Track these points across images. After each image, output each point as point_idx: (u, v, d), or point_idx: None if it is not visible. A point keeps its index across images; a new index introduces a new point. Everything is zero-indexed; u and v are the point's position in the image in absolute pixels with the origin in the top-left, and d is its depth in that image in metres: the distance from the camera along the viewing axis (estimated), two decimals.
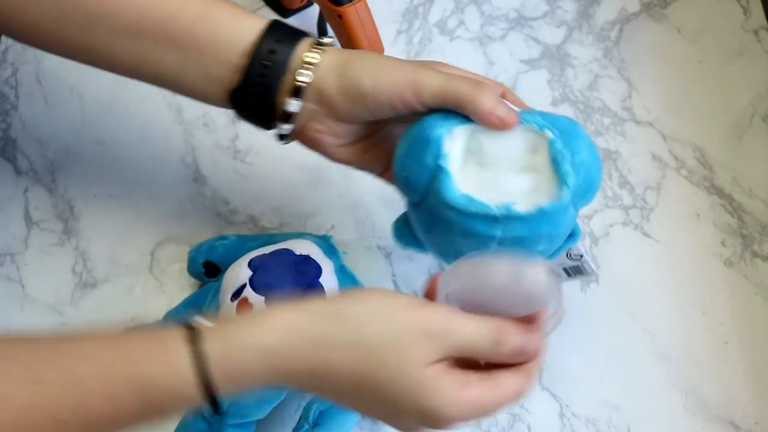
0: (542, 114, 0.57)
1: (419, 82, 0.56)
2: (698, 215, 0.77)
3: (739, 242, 0.75)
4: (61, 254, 0.73)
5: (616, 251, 0.73)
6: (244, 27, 0.59)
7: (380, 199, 0.77)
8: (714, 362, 0.69)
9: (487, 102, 0.55)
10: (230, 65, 0.58)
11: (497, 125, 0.55)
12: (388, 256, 0.74)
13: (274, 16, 0.87)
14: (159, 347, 0.49)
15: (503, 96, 0.58)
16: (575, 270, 0.69)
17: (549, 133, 0.55)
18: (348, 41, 0.76)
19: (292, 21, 0.88)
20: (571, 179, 0.54)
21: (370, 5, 0.76)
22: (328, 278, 0.63)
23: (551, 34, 0.87)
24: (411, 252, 0.74)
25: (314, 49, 0.58)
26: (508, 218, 0.54)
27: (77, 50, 0.61)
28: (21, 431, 0.45)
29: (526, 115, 0.56)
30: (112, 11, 0.59)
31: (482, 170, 0.57)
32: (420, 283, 0.73)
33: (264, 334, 0.48)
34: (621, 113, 0.82)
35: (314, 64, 0.58)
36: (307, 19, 0.87)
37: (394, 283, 0.73)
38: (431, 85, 0.56)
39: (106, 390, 0.47)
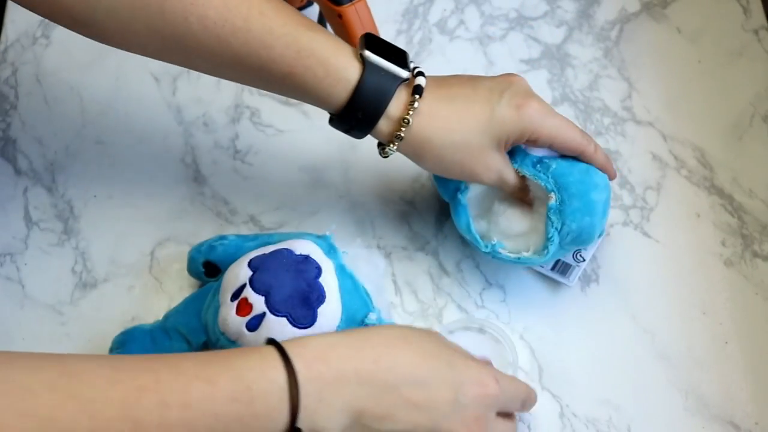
0: (561, 162, 0.67)
1: (498, 179, 0.66)
2: (698, 215, 0.77)
3: (739, 242, 0.75)
4: (61, 254, 0.73)
5: (616, 251, 0.73)
6: (332, 91, 0.62)
7: (380, 199, 0.77)
8: (714, 362, 0.69)
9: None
10: (330, 108, 0.63)
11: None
12: (388, 256, 0.74)
13: None
14: (257, 361, 0.51)
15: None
16: (563, 269, 0.69)
17: (552, 197, 0.66)
18: (348, 41, 0.76)
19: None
20: (554, 246, 0.66)
21: (370, 5, 0.76)
22: (329, 278, 0.63)
23: (551, 34, 0.87)
24: (411, 252, 0.74)
25: (408, 108, 0.62)
26: (492, 255, 0.68)
27: (181, 66, 0.66)
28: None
29: (543, 167, 0.67)
30: (212, 49, 0.61)
31: (493, 205, 0.70)
32: (420, 282, 0.73)
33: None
34: (621, 113, 0.82)
35: (407, 125, 0.63)
36: None
37: (394, 283, 0.73)
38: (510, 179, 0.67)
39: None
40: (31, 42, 0.84)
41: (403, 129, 0.62)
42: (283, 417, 0.49)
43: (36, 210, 0.75)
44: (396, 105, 0.62)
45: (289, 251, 0.63)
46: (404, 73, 0.62)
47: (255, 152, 0.79)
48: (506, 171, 0.66)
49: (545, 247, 0.66)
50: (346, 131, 0.64)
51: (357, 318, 0.63)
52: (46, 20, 0.85)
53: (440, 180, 0.70)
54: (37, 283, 0.72)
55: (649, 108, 0.83)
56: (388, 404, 0.52)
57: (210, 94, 0.81)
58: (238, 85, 0.83)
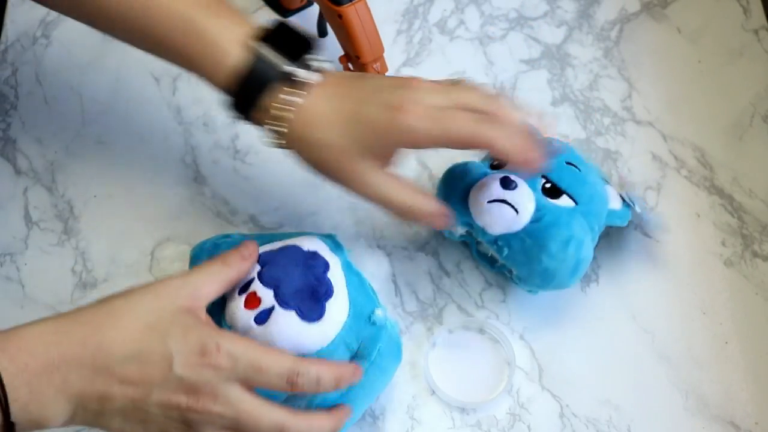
0: (514, 245, 0.66)
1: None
2: (698, 215, 0.77)
3: (739, 242, 0.75)
4: (61, 254, 0.73)
5: (616, 251, 0.73)
6: (215, 73, 0.61)
7: None
8: (714, 362, 0.69)
9: None
10: (219, 81, 0.62)
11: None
12: (388, 255, 0.74)
13: (274, 16, 0.88)
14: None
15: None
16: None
17: (513, 271, 0.69)
18: (348, 41, 0.76)
19: (292, 21, 0.87)
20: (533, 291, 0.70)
21: (370, 5, 0.76)
22: (336, 273, 0.63)
23: (551, 34, 0.87)
24: (411, 252, 0.74)
25: (284, 101, 0.60)
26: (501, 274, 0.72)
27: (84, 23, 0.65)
28: None
29: (499, 249, 0.67)
30: (117, 11, 0.62)
31: None
32: (420, 282, 0.73)
33: None
34: (621, 113, 0.82)
35: (286, 115, 0.60)
36: (307, 19, 0.87)
37: (394, 283, 0.73)
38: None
39: None
40: (31, 42, 0.84)
41: (277, 124, 0.61)
42: None
43: (36, 210, 0.76)
44: (272, 97, 0.60)
45: (297, 247, 0.63)
46: (286, 67, 0.60)
47: (255, 152, 0.79)
48: (385, 188, 0.61)
49: (529, 290, 0.70)
50: (237, 117, 0.63)
51: (364, 313, 0.63)
52: (47, 20, 0.85)
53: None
54: (37, 283, 0.72)
55: (649, 108, 0.83)
56: (102, 384, 0.51)
57: (210, 94, 0.81)
58: None
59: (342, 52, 0.79)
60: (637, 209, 0.70)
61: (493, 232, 0.66)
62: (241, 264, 0.60)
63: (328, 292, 0.61)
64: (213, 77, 0.62)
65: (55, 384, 0.50)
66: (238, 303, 0.61)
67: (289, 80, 0.61)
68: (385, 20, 0.86)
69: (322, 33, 0.86)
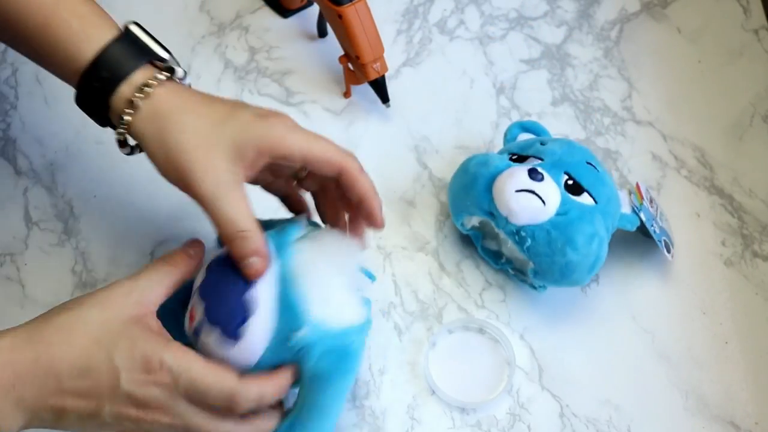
0: (537, 235, 0.66)
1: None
2: (698, 215, 0.77)
3: (739, 242, 0.75)
4: (61, 254, 0.73)
5: (616, 251, 0.73)
6: (81, 47, 0.59)
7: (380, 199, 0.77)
8: (714, 362, 0.69)
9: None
10: (72, 69, 0.60)
11: None
12: (388, 256, 0.74)
13: (274, 17, 0.88)
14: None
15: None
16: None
17: (530, 263, 0.68)
18: (348, 41, 0.76)
19: (291, 21, 0.88)
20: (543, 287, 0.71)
21: (370, 5, 0.76)
22: (263, 288, 0.57)
23: (551, 34, 0.87)
24: (411, 252, 0.74)
25: (136, 95, 0.58)
26: (504, 272, 0.69)
27: None
28: None
29: (521, 240, 0.67)
30: None
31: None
32: (420, 282, 0.73)
33: None
34: (621, 113, 0.82)
35: (135, 108, 0.58)
36: (307, 19, 0.87)
37: (394, 283, 0.73)
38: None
39: None
40: None
41: (140, 96, 0.57)
42: None
43: (36, 210, 0.76)
44: (142, 74, 0.58)
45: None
46: (162, 53, 0.59)
47: None
48: (226, 202, 0.56)
49: (535, 286, 0.71)
50: (87, 104, 0.61)
51: (285, 334, 0.56)
52: None
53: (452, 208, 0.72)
54: (37, 283, 0.72)
55: (649, 108, 0.83)
56: (55, 399, 0.52)
57: None
58: (239, 85, 0.83)
59: (342, 52, 0.79)
60: (642, 217, 0.70)
61: (517, 221, 0.66)
62: (187, 263, 0.58)
63: (248, 310, 0.56)
64: (79, 49, 0.59)
65: (10, 400, 0.51)
66: (186, 319, 0.58)
67: (158, 66, 0.59)
68: (385, 20, 0.86)
69: (322, 33, 0.86)
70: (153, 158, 0.58)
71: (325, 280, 0.58)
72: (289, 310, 0.56)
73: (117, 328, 0.53)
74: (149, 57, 0.60)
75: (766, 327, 0.71)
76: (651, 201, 0.73)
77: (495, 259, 0.72)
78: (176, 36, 0.85)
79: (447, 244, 0.75)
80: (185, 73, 0.61)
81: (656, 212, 0.73)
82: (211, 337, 0.56)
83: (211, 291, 0.58)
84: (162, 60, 0.60)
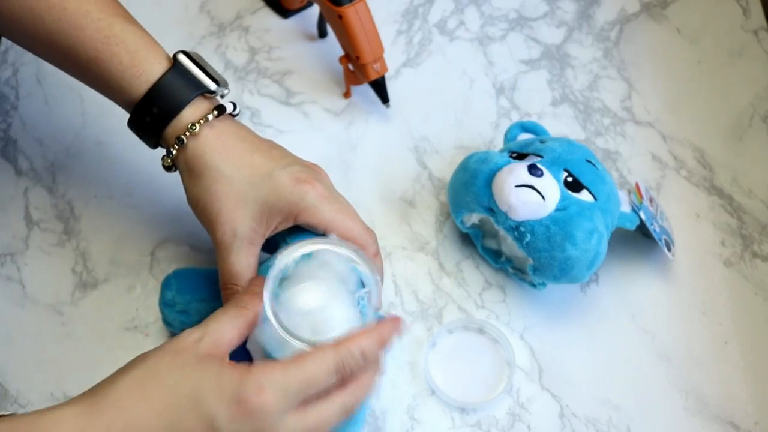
0: (537, 231, 0.66)
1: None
2: (698, 215, 0.77)
3: (738, 242, 0.75)
4: (61, 254, 0.73)
5: (616, 251, 0.73)
6: (133, 82, 0.61)
7: (380, 199, 0.77)
8: (714, 362, 0.69)
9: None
10: (127, 101, 0.63)
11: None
12: (388, 256, 0.74)
13: (274, 17, 0.88)
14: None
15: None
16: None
17: (530, 260, 0.68)
18: (348, 41, 0.77)
19: (291, 21, 0.88)
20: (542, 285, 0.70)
21: (370, 5, 0.76)
22: (252, 341, 0.58)
23: (551, 35, 0.87)
24: (411, 252, 0.74)
25: (181, 137, 0.60)
26: (504, 271, 0.69)
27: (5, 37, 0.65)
28: None
29: (520, 235, 0.67)
30: (25, 22, 0.61)
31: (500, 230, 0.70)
32: (420, 282, 0.73)
33: None
34: (621, 113, 0.82)
35: (181, 145, 0.61)
36: (307, 19, 0.87)
37: (394, 283, 0.73)
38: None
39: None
40: None
41: (187, 134, 0.60)
42: None
43: (36, 210, 0.76)
44: (191, 112, 0.61)
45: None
46: (211, 85, 0.62)
47: None
48: (237, 256, 0.59)
49: (534, 284, 0.70)
50: (140, 130, 0.63)
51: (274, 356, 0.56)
52: None
53: (452, 206, 0.72)
54: (37, 284, 0.72)
55: (649, 108, 0.83)
56: None
57: None
58: (239, 85, 0.83)
59: (342, 53, 0.79)
60: (642, 215, 0.70)
61: (517, 217, 0.66)
62: (257, 303, 0.55)
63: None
64: (131, 84, 0.61)
65: None
66: None
67: (208, 100, 0.62)
68: (385, 20, 0.86)
69: (322, 33, 0.86)
70: (187, 192, 0.62)
71: (307, 323, 0.56)
72: (274, 341, 0.56)
73: (194, 372, 0.49)
74: (198, 90, 0.61)
75: (766, 327, 0.71)
76: (651, 200, 0.73)
77: (495, 257, 0.72)
78: (176, 36, 0.86)
79: (447, 244, 0.75)
80: (235, 106, 0.63)
81: (656, 211, 0.73)
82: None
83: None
84: (211, 92, 0.62)
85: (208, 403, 0.48)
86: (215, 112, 0.61)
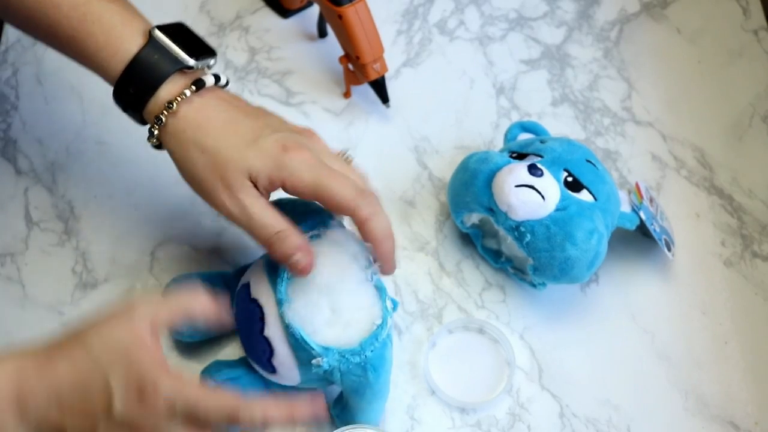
0: (537, 231, 0.66)
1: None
2: (698, 215, 0.77)
3: (739, 242, 0.75)
4: (61, 254, 0.73)
5: (616, 251, 0.73)
6: (110, 61, 0.61)
7: (380, 199, 0.77)
8: (714, 362, 0.69)
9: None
10: (108, 79, 0.61)
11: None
12: None
13: (274, 17, 0.88)
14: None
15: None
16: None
17: (530, 260, 0.68)
18: (348, 41, 0.77)
19: (291, 21, 0.88)
20: (542, 284, 0.70)
21: (370, 5, 0.76)
22: (273, 329, 0.60)
23: (551, 35, 0.87)
24: (411, 252, 0.74)
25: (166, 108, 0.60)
26: (504, 270, 0.67)
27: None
28: None
29: (520, 235, 0.67)
30: (7, 1, 0.62)
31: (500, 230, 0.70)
32: (420, 282, 0.73)
33: None
34: (621, 113, 0.82)
35: (161, 124, 0.60)
36: (307, 19, 0.87)
37: (395, 283, 0.73)
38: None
39: None
40: (31, 42, 0.84)
41: (165, 113, 0.59)
42: None
43: (36, 210, 0.76)
44: (168, 89, 0.60)
45: (246, 290, 0.62)
46: (189, 60, 0.60)
47: None
48: (254, 211, 0.58)
49: (534, 284, 0.70)
50: (124, 109, 0.62)
51: (304, 362, 0.59)
52: None
53: (452, 206, 0.72)
54: (37, 284, 0.72)
55: (649, 108, 0.83)
56: (54, 415, 0.52)
57: None
58: (239, 85, 0.83)
59: (342, 53, 0.79)
60: (642, 215, 0.70)
61: (516, 217, 0.66)
62: (209, 305, 0.55)
63: (267, 351, 0.60)
64: (108, 63, 0.60)
65: (15, 413, 0.52)
66: None
67: (186, 75, 0.61)
68: (385, 20, 0.86)
69: (322, 33, 0.86)
70: (180, 170, 0.61)
71: (325, 301, 0.59)
72: (297, 342, 0.59)
73: (118, 350, 0.52)
74: (175, 66, 0.60)
75: (766, 327, 0.71)
76: (651, 200, 0.73)
77: (495, 257, 0.72)
78: None
79: (447, 244, 0.75)
80: (216, 77, 0.61)
81: (656, 211, 0.73)
82: (259, 369, 0.62)
83: (241, 329, 0.62)
84: (189, 67, 0.60)
85: (112, 380, 0.51)
86: (193, 87, 0.60)
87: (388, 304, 0.60)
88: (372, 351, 0.58)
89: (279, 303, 0.59)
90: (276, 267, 0.60)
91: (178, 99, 0.59)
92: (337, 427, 0.61)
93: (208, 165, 0.59)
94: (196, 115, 0.60)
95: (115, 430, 0.52)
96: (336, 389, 0.63)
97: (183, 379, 0.53)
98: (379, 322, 0.59)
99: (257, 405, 0.53)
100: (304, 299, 0.59)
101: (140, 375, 0.52)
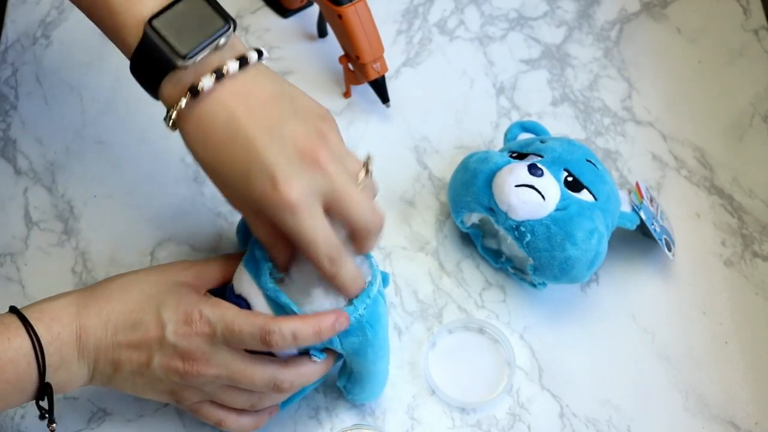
0: (537, 232, 0.66)
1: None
2: (698, 215, 0.77)
3: (739, 242, 0.75)
4: (61, 254, 0.73)
5: (617, 251, 0.73)
6: (120, 46, 0.59)
7: (380, 199, 0.77)
8: (714, 362, 0.69)
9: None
10: (125, 52, 0.58)
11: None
12: (388, 256, 0.74)
13: (274, 17, 0.88)
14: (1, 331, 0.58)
15: None
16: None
17: (530, 260, 0.68)
18: (348, 41, 0.76)
19: (291, 21, 0.88)
20: (542, 284, 0.70)
21: (370, 5, 0.76)
22: (251, 290, 0.60)
23: (551, 34, 0.87)
24: (411, 252, 0.74)
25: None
26: (504, 270, 0.68)
27: None
28: None
29: (520, 235, 0.66)
30: None
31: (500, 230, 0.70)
32: (420, 282, 0.73)
33: None
34: (621, 113, 0.82)
35: (179, 110, 0.57)
36: (306, 19, 0.87)
37: (395, 283, 0.73)
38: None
39: None
40: (31, 42, 0.84)
41: (182, 104, 0.57)
42: (32, 378, 0.56)
43: (36, 210, 0.76)
44: (171, 81, 0.57)
45: (231, 288, 0.62)
46: (178, 61, 0.55)
47: None
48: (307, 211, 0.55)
49: (534, 284, 0.70)
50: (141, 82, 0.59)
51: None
52: (47, 21, 0.85)
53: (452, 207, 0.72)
54: (37, 284, 0.72)
55: (649, 108, 0.83)
56: (113, 350, 0.58)
57: None
58: None
59: (342, 52, 0.79)
60: (642, 215, 0.70)
61: (516, 217, 0.66)
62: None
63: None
64: (121, 47, 0.59)
65: (77, 351, 0.57)
66: None
67: (179, 70, 0.56)
68: (385, 20, 0.86)
69: (322, 33, 0.86)
70: (196, 159, 0.59)
71: (314, 276, 0.59)
72: (282, 311, 0.59)
73: (168, 288, 0.59)
74: (169, 66, 0.56)
75: (766, 327, 0.71)
76: (651, 200, 0.73)
77: (495, 257, 0.72)
78: None
79: (447, 244, 0.75)
80: (240, 61, 0.57)
81: (657, 211, 0.73)
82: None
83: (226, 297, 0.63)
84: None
85: (164, 313, 0.58)
86: (215, 75, 0.56)
87: (375, 261, 0.62)
88: (365, 308, 0.59)
89: (266, 291, 0.59)
90: (257, 262, 0.60)
91: (199, 87, 0.56)
92: (347, 401, 0.64)
93: (229, 163, 0.56)
94: (217, 108, 0.57)
95: (168, 360, 0.58)
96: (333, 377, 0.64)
97: (222, 304, 0.59)
98: (369, 278, 0.60)
99: (286, 321, 0.57)
100: (297, 271, 0.60)
101: (189, 304, 0.58)
